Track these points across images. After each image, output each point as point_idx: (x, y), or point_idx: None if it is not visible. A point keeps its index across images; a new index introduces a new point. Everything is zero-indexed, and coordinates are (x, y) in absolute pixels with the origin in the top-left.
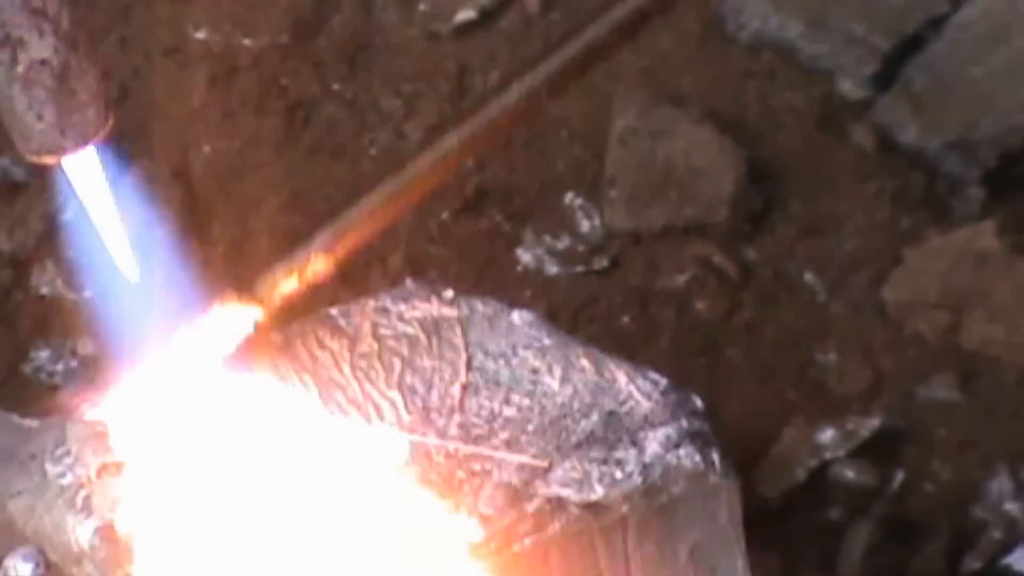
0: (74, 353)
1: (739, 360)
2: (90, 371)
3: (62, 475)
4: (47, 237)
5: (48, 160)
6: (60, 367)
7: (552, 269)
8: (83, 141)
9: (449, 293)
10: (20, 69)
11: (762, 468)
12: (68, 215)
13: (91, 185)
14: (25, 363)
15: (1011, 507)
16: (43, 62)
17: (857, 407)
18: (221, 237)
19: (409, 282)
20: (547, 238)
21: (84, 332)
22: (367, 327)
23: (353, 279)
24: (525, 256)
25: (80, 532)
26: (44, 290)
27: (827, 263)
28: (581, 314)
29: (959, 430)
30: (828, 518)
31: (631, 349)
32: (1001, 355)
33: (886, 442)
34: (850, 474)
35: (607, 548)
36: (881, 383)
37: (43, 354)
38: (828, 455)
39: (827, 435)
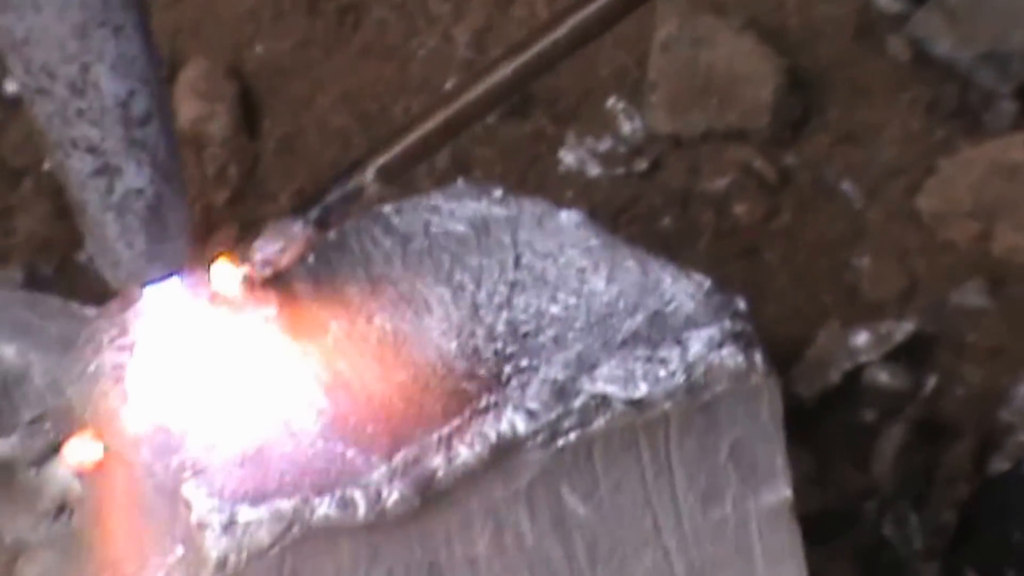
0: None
1: (776, 263)
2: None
3: (118, 363)
4: None
5: (133, 287)
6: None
7: (594, 170)
8: (169, 271)
9: (499, 192)
10: (115, 198)
11: (798, 369)
12: None
13: (172, 313)
14: (79, 252)
15: None
16: (139, 192)
17: (891, 312)
18: (272, 133)
19: (460, 181)
20: (589, 140)
21: None
22: (419, 224)
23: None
24: (568, 157)
25: (133, 420)
26: None
27: (863, 171)
28: (622, 215)
29: (989, 336)
30: (862, 419)
31: (671, 250)
32: None
33: (919, 346)
34: (883, 377)
35: (650, 444)
36: (914, 289)
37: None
38: (862, 358)
39: (861, 339)
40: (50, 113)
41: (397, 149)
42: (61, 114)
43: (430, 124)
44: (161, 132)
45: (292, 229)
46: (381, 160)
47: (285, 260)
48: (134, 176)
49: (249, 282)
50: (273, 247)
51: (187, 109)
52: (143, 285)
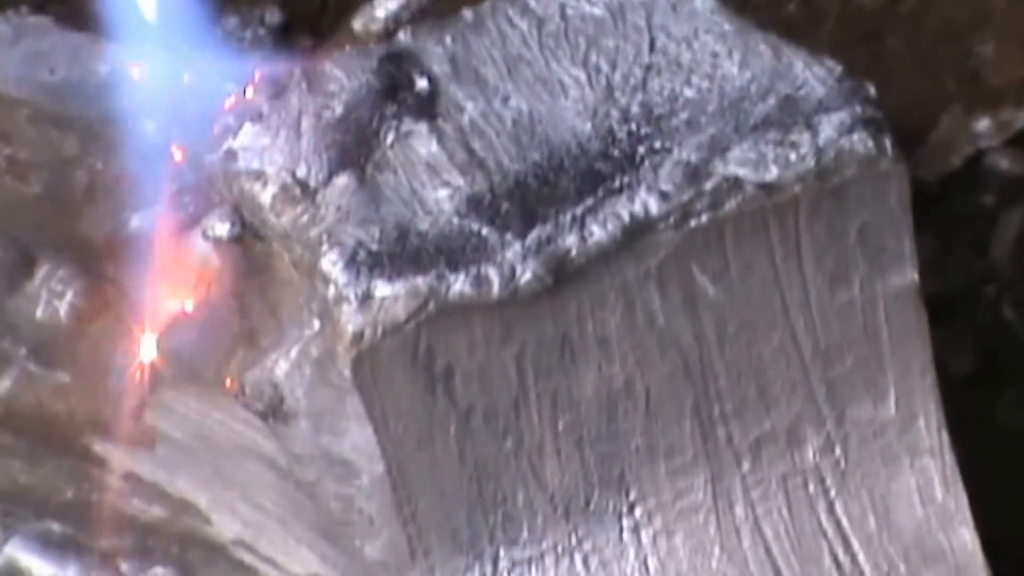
0: (262, 22)
1: (900, 49)
2: (277, 39)
3: (257, 139)
4: None
5: None
6: (248, 34)
7: None
8: None
9: None
10: None
11: (920, 154)
12: None
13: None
14: (215, 29)
15: None
16: None
17: (1012, 98)
18: None
19: None
20: None
21: (273, 2)
22: (555, 7)
23: None
24: None
25: (263, 196)
26: None
27: None
28: (748, 1)
29: None
30: (982, 204)
31: (795, 36)
32: None
33: None
34: (1004, 163)
35: (779, 227)
36: None
37: (232, 20)
38: (984, 144)
39: (983, 124)
40: None
41: None
42: None
43: None
44: None
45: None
46: None
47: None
48: None
49: None
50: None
51: None
52: None
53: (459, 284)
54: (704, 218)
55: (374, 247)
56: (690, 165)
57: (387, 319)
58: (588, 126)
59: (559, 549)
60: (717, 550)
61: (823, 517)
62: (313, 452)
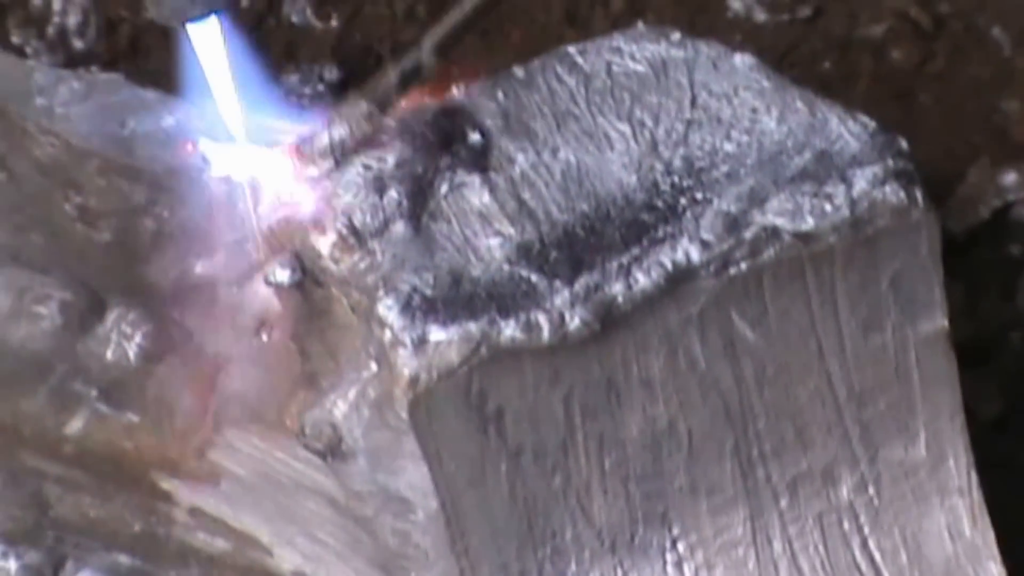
0: (321, 79)
1: (930, 106)
2: (335, 96)
3: (315, 188)
4: None
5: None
6: (308, 91)
7: (760, 16)
8: (209, 9)
9: (676, 35)
10: None
11: (949, 206)
12: None
13: (212, 52)
14: (275, 86)
15: None
16: None
17: None
18: None
19: (640, 24)
20: None
21: (330, 59)
22: (601, 64)
23: (577, 19)
24: (735, 3)
25: (323, 244)
26: (295, 18)
27: (1013, 19)
28: (785, 58)
29: None
30: (1008, 254)
31: (831, 92)
32: None
33: None
34: None
35: (815, 275)
36: None
37: (292, 78)
38: (1010, 196)
39: (1010, 178)
40: None
41: (450, 24)
42: None
43: None
44: None
45: (356, 113)
46: (436, 36)
47: (351, 144)
48: None
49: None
50: (339, 132)
51: None
52: (184, 23)
53: (510, 329)
54: (743, 266)
55: (429, 293)
56: (730, 215)
57: (441, 363)
58: (633, 178)
59: None
60: None
61: (857, 552)
62: (371, 489)
